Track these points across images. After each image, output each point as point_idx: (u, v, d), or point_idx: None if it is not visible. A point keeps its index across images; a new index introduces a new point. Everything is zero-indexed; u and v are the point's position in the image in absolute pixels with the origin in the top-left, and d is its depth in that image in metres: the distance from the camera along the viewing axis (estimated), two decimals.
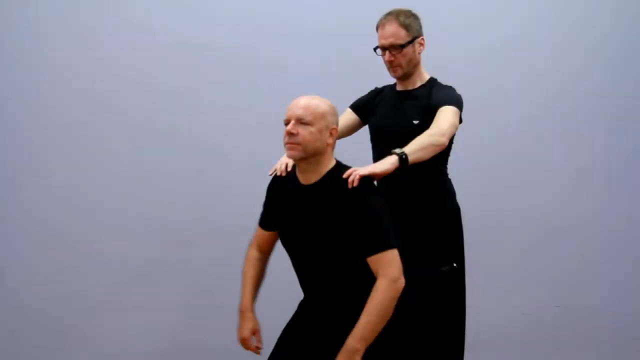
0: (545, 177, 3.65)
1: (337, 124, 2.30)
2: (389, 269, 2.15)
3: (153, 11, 3.63)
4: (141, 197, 3.63)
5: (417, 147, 2.32)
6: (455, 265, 2.58)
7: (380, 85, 2.85)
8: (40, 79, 3.62)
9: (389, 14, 2.61)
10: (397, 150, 2.29)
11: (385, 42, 2.58)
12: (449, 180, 2.69)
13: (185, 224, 3.63)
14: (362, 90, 3.64)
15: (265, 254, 2.53)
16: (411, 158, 2.28)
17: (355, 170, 2.20)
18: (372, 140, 2.76)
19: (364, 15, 3.59)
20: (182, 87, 3.64)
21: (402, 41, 2.56)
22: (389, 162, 2.26)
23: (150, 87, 3.63)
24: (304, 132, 2.21)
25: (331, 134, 2.27)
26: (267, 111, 3.62)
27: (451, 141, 2.60)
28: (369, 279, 2.19)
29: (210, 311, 3.65)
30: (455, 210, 2.66)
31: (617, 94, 3.68)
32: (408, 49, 2.58)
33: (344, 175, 2.19)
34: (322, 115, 2.24)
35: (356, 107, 2.84)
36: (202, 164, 3.64)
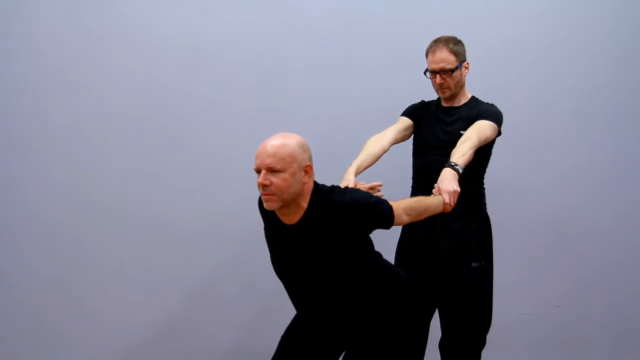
0: (546, 178, 3.65)
1: (310, 160, 2.19)
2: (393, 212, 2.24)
3: (153, 11, 3.63)
4: (141, 197, 3.62)
5: (459, 154, 2.55)
6: (483, 263, 2.84)
7: (427, 99, 3.02)
8: (40, 79, 3.62)
9: (439, 40, 2.82)
10: (451, 163, 2.50)
11: (436, 66, 2.81)
12: (484, 188, 2.94)
13: (185, 223, 3.63)
14: (364, 89, 3.65)
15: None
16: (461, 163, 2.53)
17: (448, 196, 2.37)
18: (416, 149, 2.96)
19: (364, 15, 3.62)
20: (182, 87, 3.63)
21: (452, 66, 2.80)
22: (453, 176, 2.45)
23: (150, 87, 3.62)
24: (276, 180, 2.10)
25: (306, 171, 2.16)
26: (268, 111, 3.63)
27: (490, 152, 2.86)
28: (363, 293, 2.24)
29: (210, 311, 3.65)
30: (487, 215, 2.93)
31: (618, 93, 3.68)
32: (456, 73, 2.81)
33: (448, 207, 2.38)
34: (292, 158, 2.11)
35: (410, 113, 3.01)
36: (203, 163, 3.63)
